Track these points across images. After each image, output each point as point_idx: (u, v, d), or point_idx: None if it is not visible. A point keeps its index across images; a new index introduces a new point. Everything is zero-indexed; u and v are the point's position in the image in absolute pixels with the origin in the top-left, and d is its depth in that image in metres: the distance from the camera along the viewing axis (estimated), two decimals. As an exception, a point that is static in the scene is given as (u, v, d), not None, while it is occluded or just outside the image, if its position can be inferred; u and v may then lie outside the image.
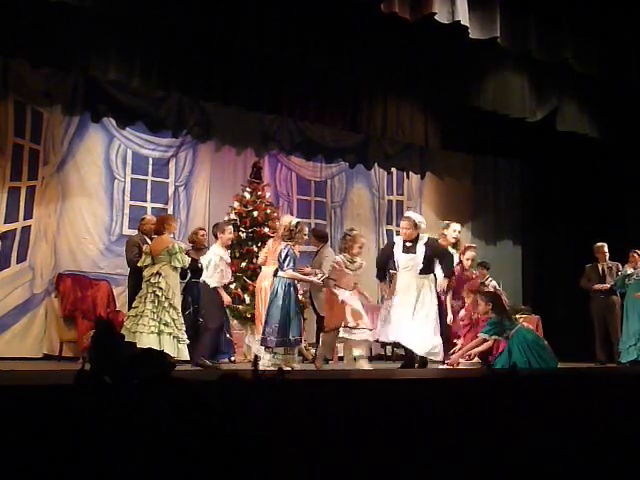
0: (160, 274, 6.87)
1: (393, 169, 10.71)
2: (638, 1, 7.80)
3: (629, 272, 8.54)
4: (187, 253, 7.42)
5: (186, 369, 5.75)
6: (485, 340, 6.53)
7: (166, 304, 6.76)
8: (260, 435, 1.59)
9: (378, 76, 7.94)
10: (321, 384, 3.08)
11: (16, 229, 7.76)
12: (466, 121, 9.41)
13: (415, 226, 6.90)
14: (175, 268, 6.86)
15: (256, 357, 6.68)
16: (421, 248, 6.82)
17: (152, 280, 6.93)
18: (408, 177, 10.83)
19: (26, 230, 7.82)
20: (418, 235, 6.90)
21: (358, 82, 8.40)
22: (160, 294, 6.81)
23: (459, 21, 6.93)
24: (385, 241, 10.50)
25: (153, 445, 1.46)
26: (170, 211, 8.71)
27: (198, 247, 7.46)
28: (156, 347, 6.63)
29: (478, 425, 2.31)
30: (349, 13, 7.18)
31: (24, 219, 7.83)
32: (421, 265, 6.81)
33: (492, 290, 7.40)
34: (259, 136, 9.51)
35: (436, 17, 6.81)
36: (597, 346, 8.86)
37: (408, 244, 6.91)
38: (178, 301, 6.85)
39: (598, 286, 8.83)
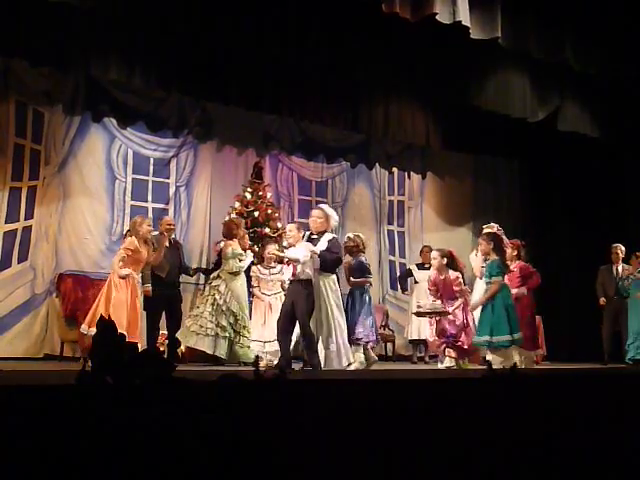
0: (220, 277, 7.18)
1: (394, 169, 10.70)
2: (638, 1, 7.79)
3: (630, 278, 8.71)
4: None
5: (187, 369, 5.74)
6: (499, 283, 6.28)
7: (224, 307, 7.01)
8: (260, 435, 1.60)
9: (379, 76, 7.93)
10: (321, 384, 3.09)
11: (17, 229, 7.77)
12: (467, 121, 9.41)
13: (326, 218, 6.51)
14: (234, 272, 7.11)
15: (257, 357, 6.70)
16: (323, 243, 6.36)
17: (213, 283, 7.22)
18: (409, 177, 10.83)
19: (27, 230, 7.83)
20: (325, 230, 6.49)
21: (359, 82, 8.38)
22: (218, 297, 7.05)
23: (460, 21, 6.92)
24: (386, 241, 10.51)
25: (153, 445, 1.46)
26: (171, 211, 8.72)
27: None
28: (210, 349, 6.90)
29: (478, 425, 2.32)
30: (349, 13, 7.18)
31: (25, 219, 7.83)
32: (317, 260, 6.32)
33: (494, 231, 7.18)
34: (260, 136, 9.50)
35: (437, 17, 6.79)
36: (605, 347, 8.87)
37: (313, 236, 6.47)
38: (238, 305, 7.08)
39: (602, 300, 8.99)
